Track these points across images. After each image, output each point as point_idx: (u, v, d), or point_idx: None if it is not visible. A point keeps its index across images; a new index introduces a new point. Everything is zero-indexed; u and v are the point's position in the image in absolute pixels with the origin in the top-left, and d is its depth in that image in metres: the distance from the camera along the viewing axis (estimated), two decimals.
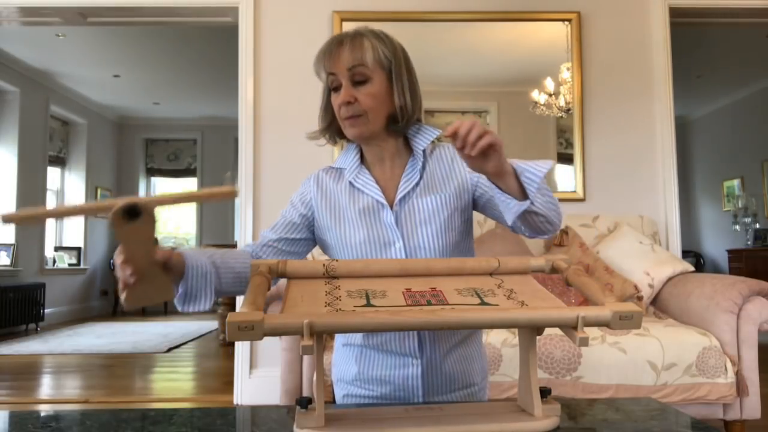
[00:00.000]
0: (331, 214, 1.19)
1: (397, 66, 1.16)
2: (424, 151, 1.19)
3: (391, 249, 1.13)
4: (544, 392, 0.89)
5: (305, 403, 0.85)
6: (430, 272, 0.97)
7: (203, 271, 1.04)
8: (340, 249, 1.18)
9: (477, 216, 1.58)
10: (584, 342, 0.79)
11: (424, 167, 1.18)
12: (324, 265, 0.95)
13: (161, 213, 8.88)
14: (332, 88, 1.16)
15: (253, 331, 0.73)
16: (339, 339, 1.23)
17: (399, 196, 1.15)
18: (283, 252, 1.20)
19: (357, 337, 1.17)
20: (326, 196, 1.21)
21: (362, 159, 1.22)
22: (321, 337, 0.80)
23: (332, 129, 1.22)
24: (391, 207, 1.15)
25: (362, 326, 0.80)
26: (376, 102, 1.14)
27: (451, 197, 1.16)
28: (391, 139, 1.19)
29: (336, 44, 1.14)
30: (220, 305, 4.97)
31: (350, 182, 1.19)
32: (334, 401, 1.25)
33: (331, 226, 1.18)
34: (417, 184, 1.16)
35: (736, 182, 7.39)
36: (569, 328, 0.81)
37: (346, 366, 1.19)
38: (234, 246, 4.43)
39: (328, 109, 1.21)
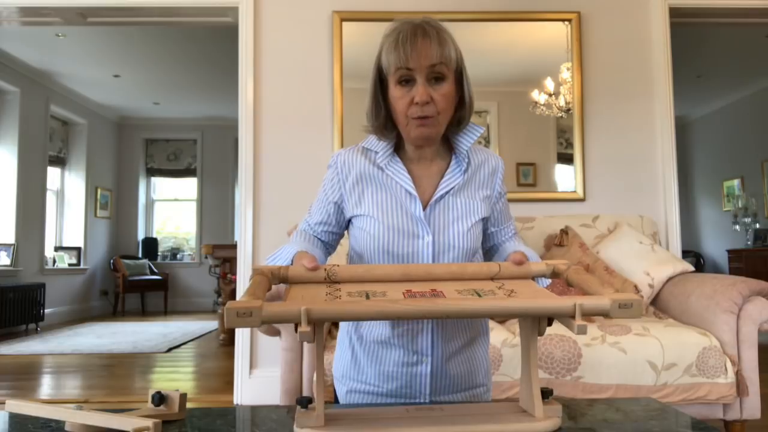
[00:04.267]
0: (358, 195, 1.13)
1: (463, 65, 1.10)
2: (468, 151, 1.14)
3: (419, 241, 1.09)
4: (546, 393, 0.89)
5: (305, 402, 0.85)
6: (431, 277, 0.97)
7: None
8: (362, 233, 1.13)
9: None
10: (582, 330, 0.78)
11: (466, 169, 1.14)
12: (326, 269, 0.95)
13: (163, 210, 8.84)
14: (399, 81, 1.06)
15: (251, 318, 0.73)
16: (342, 335, 1.21)
17: (437, 194, 1.11)
18: (332, 233, 1.20)
19: (369, 333, 1.14)
20: (354, 176, 1.14)
21: (396, 147, 1.15)
22: (321, 333, 0.80)
23: (387, 125, 1.12)
24: (425, 203, 1.11)
25: (359, 314, 0.79)
26: (449, 103, 1.08)
27: (484, 204, 1.14)
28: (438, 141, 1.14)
29: (420, 35, 1.04)
30: (220, 305, 4.97)
31: (381, 167, 1.12)
32: (336, 400, 1.25)
33: (356, 206, 1.13)
34: (456, 184, 1.12)
35: (736, 182, 7.39)
36: (567, 317, 0.80)
37: (351, 362, 1.17)
38: (234, 246, 4.43)
39: (380, 103, 1.11)
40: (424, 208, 1.11)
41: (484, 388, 1.20)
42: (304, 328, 0.74)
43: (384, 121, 1.11)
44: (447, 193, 1.12)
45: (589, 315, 0.79)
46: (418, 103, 1.04)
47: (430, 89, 1.04)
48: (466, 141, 1.14)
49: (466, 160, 1.14)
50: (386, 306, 0.78)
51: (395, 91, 1.07)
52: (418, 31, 1.04)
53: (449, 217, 1.11)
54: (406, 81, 1.05)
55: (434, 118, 1.06)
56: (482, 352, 1.20)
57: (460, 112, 1.12)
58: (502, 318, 2.33)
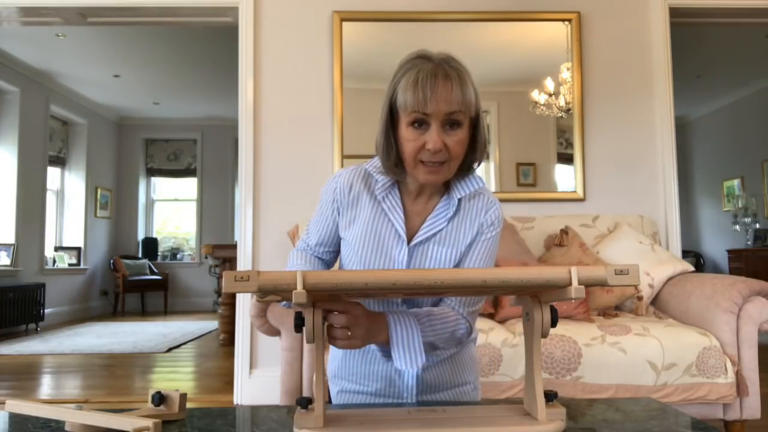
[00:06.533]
0: (350, 219, 1.13)
1: (480, 108, 1.06)
2: (460, 199, 1.11)
3: None
4: (550, 396, 0.88)
5: (305, 403, 0.85)
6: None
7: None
8: (345, 260, 1.16)
9: None
10: (580, 292, 0.77)
11: (453, 216, 1.11)
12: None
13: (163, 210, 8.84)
14: (412, 123, 1.02)
15: (249, 282, 0.74)
16: None
17: (419, 238, 1.09)
18: (331, 252, 1.21)
19: None
20: (351, 198, 1.14)
21: (397, 181, 1.13)
22: (321, 333, 0.80)
23: (398, 164, 1.07)
24: (408, 242, 1.10)
25: (355, 282, 0.78)
26: (462, 150, 1.04)
27: (462, 250, 1.11)
28: None
29: (442, 78, 0.99)
30: (220, 305, 4.97)
31: (378, 200, 1.11)
32: (330, 400, 1.26)
33: (345, 229, 1.14)
34: (440, 230, 1.10)
35: (736, 182, 7.38)
36: (563, 288, 0.79)
37: (341, 361, 1.20)
38: (234, 246, 4.43)
39: (392, 142, 1.06)
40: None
41: (471, 386, 1.20)
42: (300, 290, 0.74)
43: (395, 160, 1.08)
44: (430, 238, 1.10)
45: (586, 284, 0.77)
46: (430, 150, 1.00)
47: (444, 135, 1.00)
48: (462, 190, 1.10)
49: (455, 207, 1.10)
50: (380, 275, 0.78)
51: (407, 133, 1.03)
52: (439, 73, 0.99)
53: (425, 264, 1.10)
54: (420, 123, 1.01)
55: (445, 164, 1.03)
56: (468, 350, 1.21)
57: (471, 156, 1.08)
58: (501, 318, 2.33)
